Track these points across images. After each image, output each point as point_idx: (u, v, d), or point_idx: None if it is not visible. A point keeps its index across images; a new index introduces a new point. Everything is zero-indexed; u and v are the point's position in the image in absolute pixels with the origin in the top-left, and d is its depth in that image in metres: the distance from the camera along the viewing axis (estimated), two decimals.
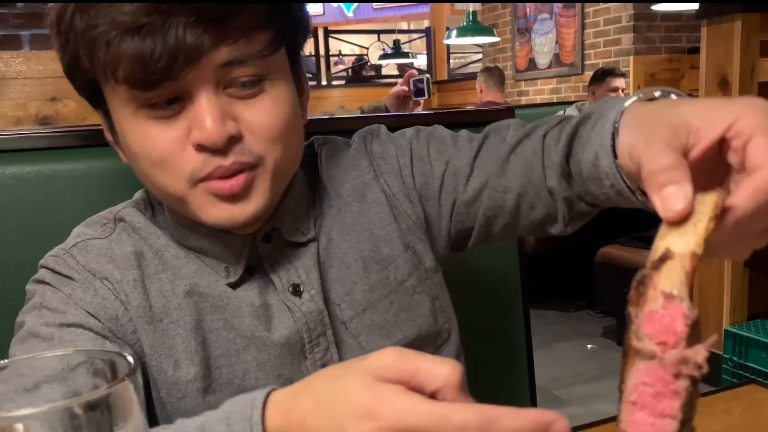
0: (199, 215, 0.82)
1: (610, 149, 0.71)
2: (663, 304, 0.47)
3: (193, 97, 0.77)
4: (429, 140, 0.98)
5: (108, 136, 0.89)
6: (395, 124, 1.04)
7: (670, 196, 0.52)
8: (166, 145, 0.78)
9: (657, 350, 0.47)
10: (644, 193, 0.69)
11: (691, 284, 0.48)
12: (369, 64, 11.17)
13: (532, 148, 0.89)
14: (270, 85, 0.81)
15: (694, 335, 0.47)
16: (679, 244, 0.50)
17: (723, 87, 3.11)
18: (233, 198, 0.80)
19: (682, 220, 0.51)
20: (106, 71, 0.75)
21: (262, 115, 0.80)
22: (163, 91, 0.76)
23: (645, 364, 0.48)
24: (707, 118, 0.57)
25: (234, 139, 0.78)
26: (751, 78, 3.08)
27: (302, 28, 0.88)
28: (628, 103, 0.71)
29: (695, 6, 3.48)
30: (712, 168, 0.59)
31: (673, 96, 0.72)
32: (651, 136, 0.58)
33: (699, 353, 0.46)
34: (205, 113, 0.76)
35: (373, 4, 13.36)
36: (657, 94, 0.73)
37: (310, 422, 0.57)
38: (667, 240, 0.51)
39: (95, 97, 0.83)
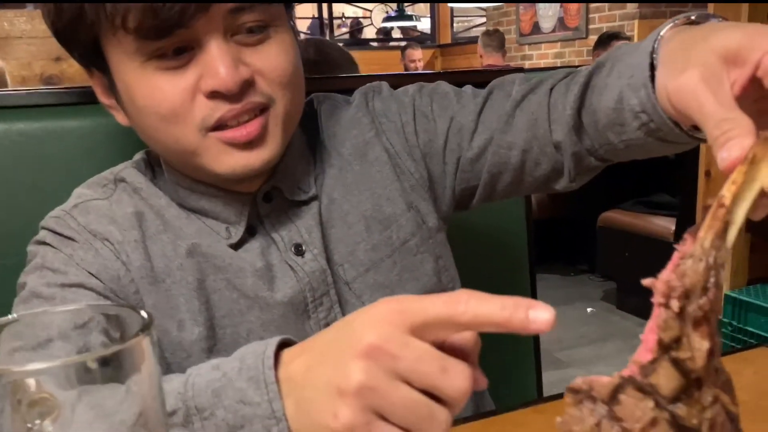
0: (212, 167, 0.82)
1: (649, 80, 0.70)
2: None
3: (202, 45, 0.77)
4: (432, 96, 0.97)
5: (103, 99, 0.89)
6: (398, 83, 1.03)
7: (728, 149, 0.50)
8: (175, 96, 0.78)
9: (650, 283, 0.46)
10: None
11: (717, 226, 0.45)
12: (376, 27, 11.10)
13: (538, 103, 0.89)
14: (274, 32, 0.82)
15: (690, 270, 0.45)
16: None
17: None
18: (249, 144, 0.81)
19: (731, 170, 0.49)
20: (114, 22, 0.75)
21: (272, 59, 0.81)
22: (173, 40, 0.76)
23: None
24: (741, 47, 0.57)
25: (247, 84, 0.78)
26: None
27: None
28: (663, 31, 0.70)
29: None
30: (757, 100, 0.58)
31: (712, 21, 0.69)
32: (696, 93, 0.56)
33: (661, 278, 0.45)
34: (217, 60, 0.76)
35: None
36: (693, 17, 0.71)
37: (321, 339, 0.60)
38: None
39: (94, 57, 0.82)
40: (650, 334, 0.45)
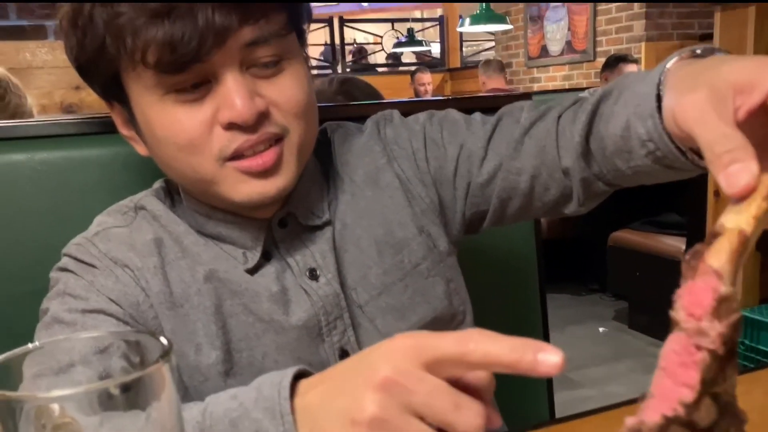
0: (229, 195, 0.84)
1: (656, 111, 0.71)
2: (704, 278, 0.47)
3: (219, 78, 0.79)
4: (442, 123, 0.99)
5: (123, 131, 0.91)
6: (408, 110, 1.04)
7: (734, 173, 0.51)
8: (193, 127, 0.80)
9: (683, 321, 0.47)
10: (693, 152, 0.70)
11: (738, 261, 0.48)
12: (387, 52, 11.23)
13: (546, 130, 0.90)
14: (288, 64, 0.84)
15: (724, 311, 0.46)
16: (732, 221, 0.49)
17: None
18: (265, 173, 0.83)
19: (744, 197, 0.51)
20: (134, 57, 0.77)
21: (286, 90, 0.83)
22: (190, 74, 0.78)
23: (676, 333, 0.48)
24: (752, 76, 0.57)
25: (262, 115, 0.80)
26: None
27: (307, 14, 0.90)
28: (669, 64, 0.71)
29: None
30: (764, 124, 0.58)
31: (718, 55, 0.71)
32: (701, 109, 0.57)
33: (714, 328, 0.46)
34: (234, 92, 0.78)
35: None
36: (698, 51, 0.72)
37: (337, 370, 0.61)
38: (725, 216, 0.50)
39: (114, 90, 0.85)
40: (685, 369, 0.47)
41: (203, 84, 0.80)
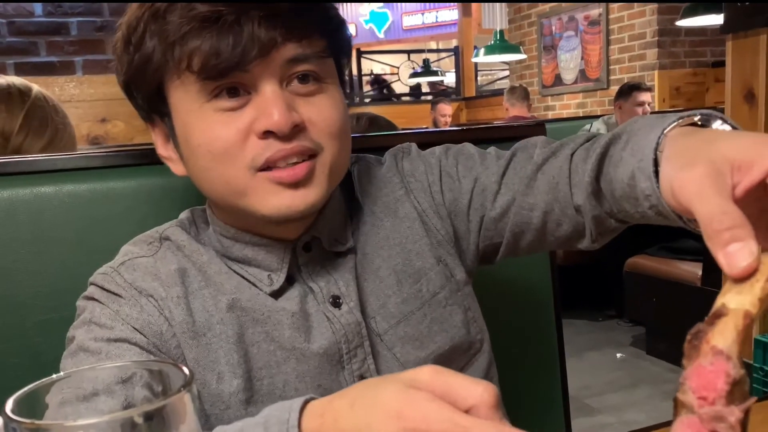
0: (258, 207, 0.85)
1: (653, 175, 0.70)
2: (711, 360, 0.47)
3: (258, 89, 0.82)
4: (457, 157, 1.00)
5: (162, 151, 0.93)
6: (426, 141, 1.06)
7: (735, 253, 0.50)
8: (229, 135, 0.82)
9: (695, 404, 0.47)
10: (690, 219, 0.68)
11: (743, 342, 0.48)
12: (404, 83, 11.35)
13: (559, 167, 0.90)
14: (326, 87, 0.86)
15: (737, 394, 0.47)
16: (735, 302, 0.49)
17: (749, 100, 3.08)
18: (296, 185, 0.84)
19: (745, 278, 0.50)
20: (180, 65, 0.80)
21: (322, 110, 0.85)
22: (230, 80, 0.81)
23: (687, 417, 0.47)
24: (750, 154, 0.56)
25: (298, 128, 0.83)
26: None
27: (347, 46, 0.93)
28: (667, 129, 0.71)
29: (720, 20, 3.49)
30: (759, 198, 0.58)
31: (717, 123, 0.71)
32: (699, 184, 0.56)
33: (733, 413, 0.46)
34: (271, 103, 0.81)
35: (403, 25, 13.52)
36: (696, 118, 0.72)
37: (342, 422, 0.59)
38: (726, 296, 0.50)
39: (157, 103, 0.87)
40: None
41: (243, 94, 0.83)
